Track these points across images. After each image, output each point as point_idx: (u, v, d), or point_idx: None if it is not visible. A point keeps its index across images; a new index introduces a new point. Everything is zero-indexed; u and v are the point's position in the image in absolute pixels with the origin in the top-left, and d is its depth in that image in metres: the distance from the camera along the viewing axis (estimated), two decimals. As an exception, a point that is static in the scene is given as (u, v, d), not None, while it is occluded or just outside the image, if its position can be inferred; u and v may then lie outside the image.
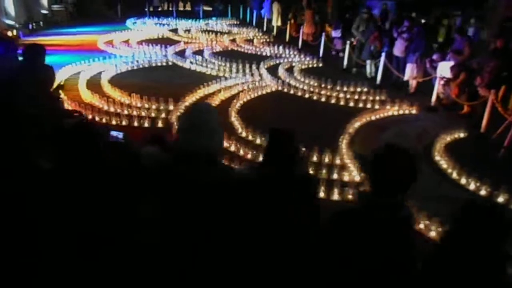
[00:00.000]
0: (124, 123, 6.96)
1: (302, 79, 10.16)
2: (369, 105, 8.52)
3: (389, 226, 1.91)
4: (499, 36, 7.87)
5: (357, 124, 7.27)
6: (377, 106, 8.47)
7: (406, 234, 2.03)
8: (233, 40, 15.62)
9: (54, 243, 2.09)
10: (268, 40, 16.30)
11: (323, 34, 14.00)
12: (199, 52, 12.79)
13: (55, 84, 5.25)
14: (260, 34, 17.60)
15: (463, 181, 5.48)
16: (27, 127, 2.62)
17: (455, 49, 8.56)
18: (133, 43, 14.02)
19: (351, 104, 8.65)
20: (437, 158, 6.15)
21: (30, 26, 16.48)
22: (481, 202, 1.91)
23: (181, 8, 26.34)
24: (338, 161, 5.83)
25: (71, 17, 20.57)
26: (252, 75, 10.25)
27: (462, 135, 7.14)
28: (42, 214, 2.10)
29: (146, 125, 6.99)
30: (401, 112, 8.27)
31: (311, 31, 15.52)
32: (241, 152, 5.99)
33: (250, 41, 15.84)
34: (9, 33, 13.37)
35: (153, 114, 7.39)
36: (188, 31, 17.59)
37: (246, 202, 1.86)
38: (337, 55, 13.44)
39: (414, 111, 8.31)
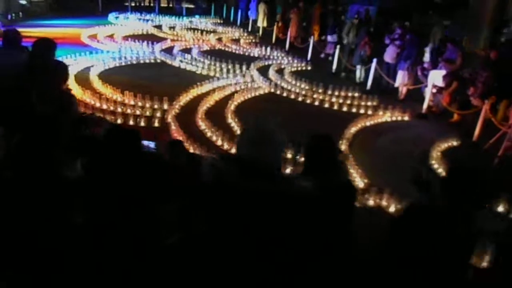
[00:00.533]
0: (119, 121, 6.78)
1: (294, 82, 10.17)
2: (362, 111, 8.59)
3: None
4: (492, 47, 8.07)
5: (353, 129, 7.31)
6: (370, 112, 8.55)
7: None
8: (220, 40, 15.49)
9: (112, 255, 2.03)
10: (254, 41, 16.26)
11: (312, 37, 14.07)
12: (187, 51, 12.62)
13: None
14: (246, 34, 17.53)
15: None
16: (48, 132, 2.47)
17: (446, 58, 8.72)
18: (118, 38, 13.72)
19: (345, 109, 8.71)
20: (435, 165, 6.25)
21: (9, 17, 15.92)
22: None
23: (163, 5, 25.95)
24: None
25: (50, 9, 20.01)
26: (243, 76, 10.19)
27: (455, 143, 7.28)
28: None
29: (142, 124, 6.82)
30: (393, 118, 8.37)
31: (297, 34, 15.58)
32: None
33: (236, 41, 15.75)
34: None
35: (148, 113, 7.22)
36: (173, 28, 17.36)
37: (309, 216, 1.81)
38: (326, 58, 13.53)
39: (406, 118, 8.44)
